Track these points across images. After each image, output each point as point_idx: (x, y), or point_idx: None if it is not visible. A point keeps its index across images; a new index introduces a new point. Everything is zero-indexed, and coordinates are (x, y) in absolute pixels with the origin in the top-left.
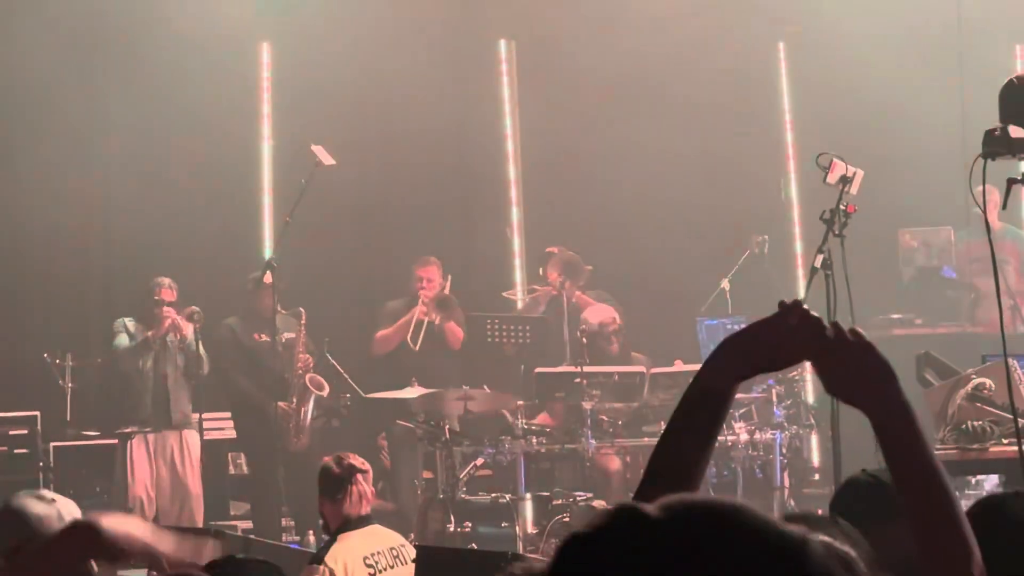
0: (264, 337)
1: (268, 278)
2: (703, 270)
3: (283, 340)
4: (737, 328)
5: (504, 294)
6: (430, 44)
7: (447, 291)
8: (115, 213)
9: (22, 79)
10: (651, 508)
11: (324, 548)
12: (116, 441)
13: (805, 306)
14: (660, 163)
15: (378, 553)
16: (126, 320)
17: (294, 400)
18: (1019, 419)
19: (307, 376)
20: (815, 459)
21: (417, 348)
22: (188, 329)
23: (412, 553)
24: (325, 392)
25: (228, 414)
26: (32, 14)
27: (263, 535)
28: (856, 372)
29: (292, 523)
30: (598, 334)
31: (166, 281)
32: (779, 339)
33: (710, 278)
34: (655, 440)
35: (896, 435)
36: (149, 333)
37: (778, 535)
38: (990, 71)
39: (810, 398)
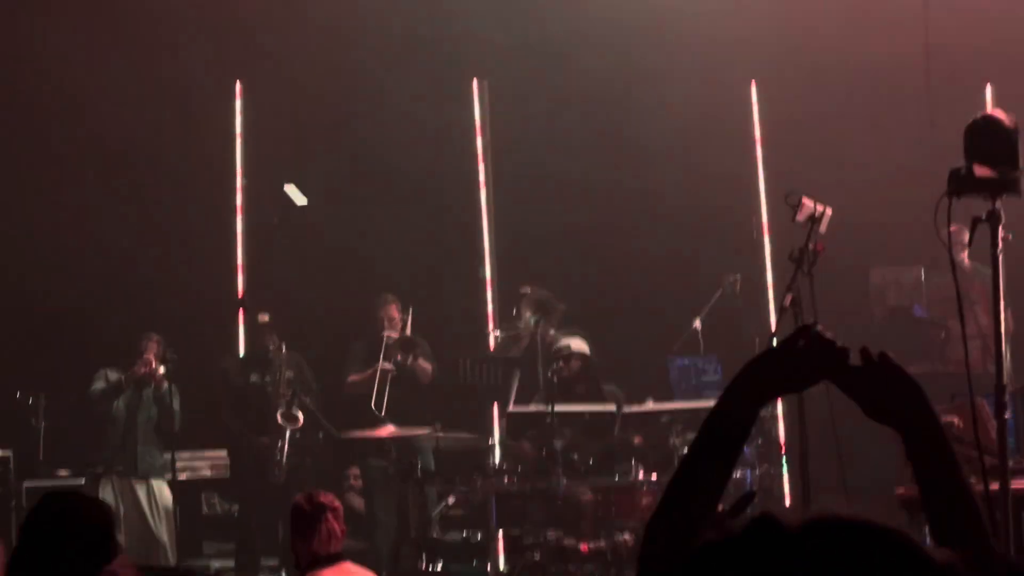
0: (257, 378)
1: (263, 317)
2: (675, 309)
3: (286, 378)
4: (709, 367)
5: (492, 333)
6: (403, 83)
7: (409, 325)
8: (90, 254)
9: None
10: (790, 520)
11: None
12: (83, 481)
13: (819, 327)
14: (632, 203)
15: None
16: (108, 371)
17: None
18: (985, 457)
19: (279, 411)
20: (787, 497)
21: (383, 409)
22: (163, 381)
23: None
24: (298, 426)
25: (206, 452)
26: None
27: (245, 573)
28: (886, 393)
29: (276, 560)
30: (572, 356)
31: (155, 337)
32: (796, 362)
33: (682, 317)
34: (627, 478)
35: (928, 455)
36: (123, 377)
37: (922, 561)
38: (960, 108)
39: (782, 435)
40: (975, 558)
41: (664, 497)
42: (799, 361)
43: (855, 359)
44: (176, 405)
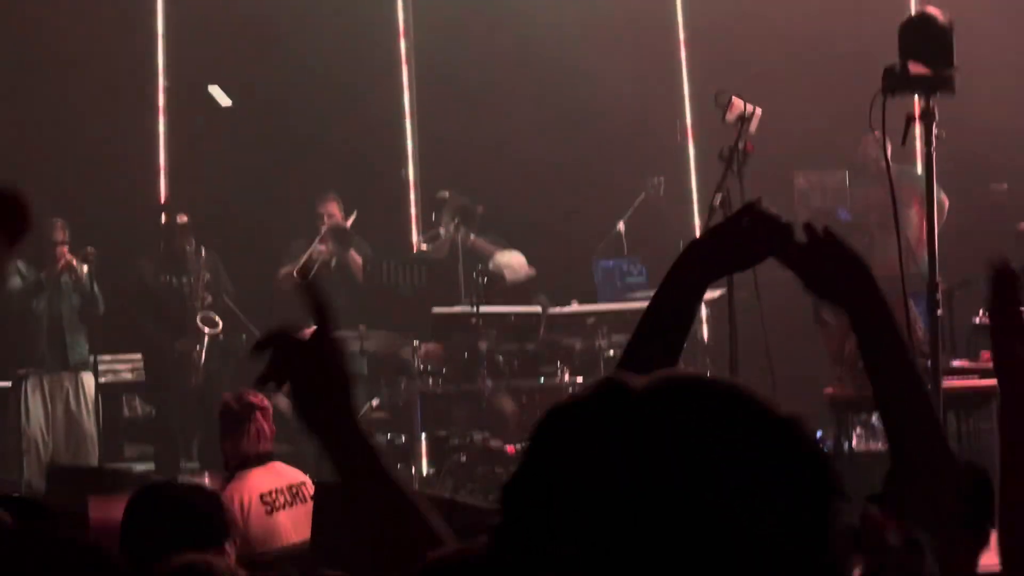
0: (173, 280)
1: (182, 218)
2: (599, 212)
3: (204, 281)
4: (633, 269)
5: (421, 244)
6: None
7: (350, 222)
8: (2, 148)
9: None
10: (637, 381)
11: (221, 485)
12: (10, 384)
13: (764, 206)
14: (555, 103)
15: (276, 491)
16: (18, 263)
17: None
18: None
19: (198, 315)
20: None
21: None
22: (83, 269)
23: (311, 491)
24: (218, 330)
25: (126, 355)
26: None
27: (165, 475)
28: (831, 269)
29: (196, 464)
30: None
31: (59, 222)
32: (742, 239)
33: (606, 220)
34: (551, 381)
35: (874, 329)
36: (43, 273)
37: (767, 415)
38: (886, 10)
39: (706, 337)
40: (927, 447)
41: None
42: (744, 238)
43: (799, 235)
44: (97, 290)
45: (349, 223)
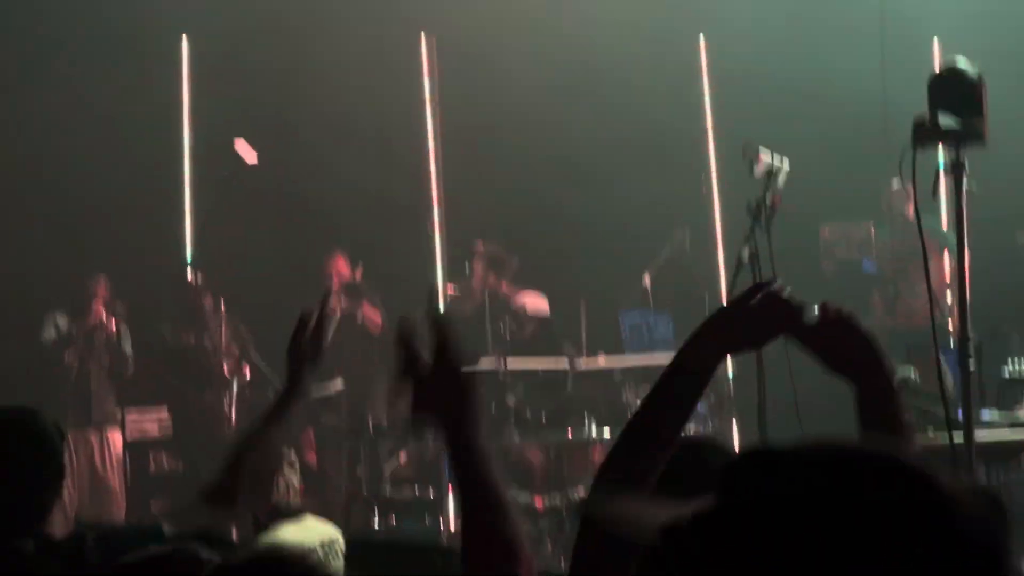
0: (194, 338)
1: (196, 278)
2: (625, 265)
3: (226, 335)
4: (659, 322)
5: (449, 292)
6: (351, 37)
7: (358, 277)
8: (34, 207)
9: None
10: (783, 445)
11: (251, 539)
12: None
13: (777, 286)
14: (581, 157)
15: (310, 549)
16: (57, 315)
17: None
18: (948, 409)
19: (225, 365)
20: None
21: (326, 342)
22: (113, 326)
23: (344, 548)
24: (247, 379)
25: (153, 410)
26: None
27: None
28: (843, 347)
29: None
30: (527, 320)
31: (101, 277)
32: (755, 319)
33: (632, 272)
34: (579, 435)
35: (877, 406)
36: (75, 327)
37: (930, 483)
38: (911, 65)
39: (732, 391)
40: None
41: (614, 448)
42: (755, 318)
43: (811, 314)
44: (128, 348)
45: (358, 276)
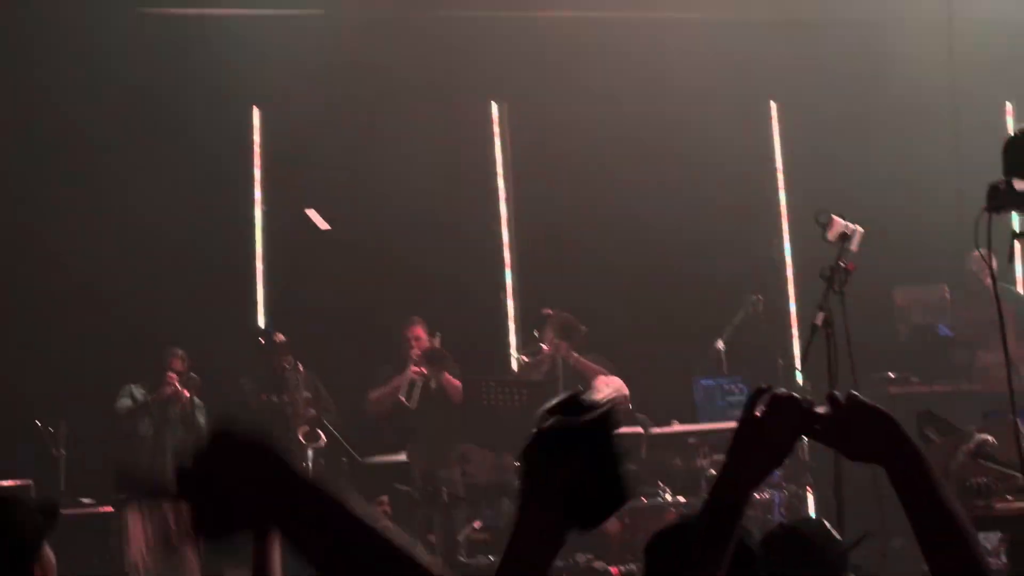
0: (273, 398)
1: (279, 337)
2: (698, 330)
3: (304, 398)
4: (734, 387)
5: (519, 357)
6: (421, 106)
7: (437, 345)
8: (111, 278)
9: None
10: None
11: None
12: (111, 508)
13: (778, 391)
14: (653, 223)
15: None
16: (133, 387)
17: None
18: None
19: (300, 430)
20: (813, 517)
21: (413, 406)
22: (187, 397)
23: None
24: (321, 444)
25: None
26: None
27: None
28: (863, 433)
29: None
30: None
31: (179, 352)
32: (771, 432)
33: (705, 339)
34: (654, 501)
35: (913, 484)
36: (151, 399)
37: None
38: (983, 130)
39: (807, 455)
40: None
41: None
42: (771, 433)
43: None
44: (203, 420)
45: (436, 343)
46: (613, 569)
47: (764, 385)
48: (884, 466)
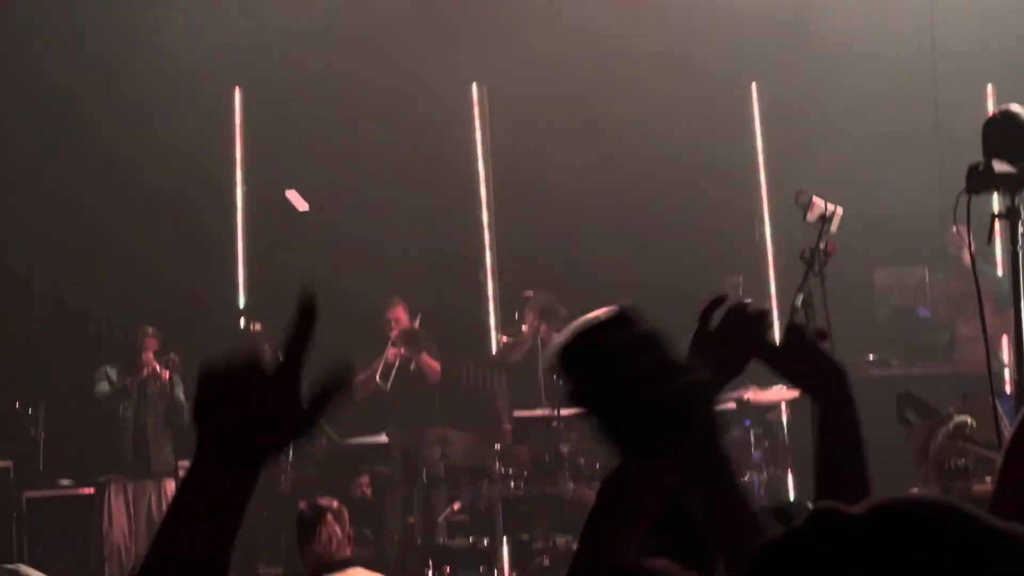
0: None
1: (256, 327)
2: (678, 313)
3: None
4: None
5: (502, 338)
6: (401, 88)
7: (417, 326)
8: (87, 259)
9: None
10: (853, 508)
11: None
12: (92, 490)
13: (737, 302)
14: (634, 205)
15: None
16: (108, 368)
17: None
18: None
19: None
20: (793, 500)
21: (388, 388)
22: (167, 376)
23: None
24: None
25: None
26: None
27: None
28: (805, 365)
29: (281, 569)
30: None
31: (150, 330)
32: (724, 344)
33: (685, 320)
34: None
35: (838, 434)
36: (129, 380)
37: (991, 532)
38: (964, 110)
39: (787, 439)
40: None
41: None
42: (725, 345)
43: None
44: (182, 395)
45: (416, 324)
46: None
47: (719, 294)
48: (819, 403)
